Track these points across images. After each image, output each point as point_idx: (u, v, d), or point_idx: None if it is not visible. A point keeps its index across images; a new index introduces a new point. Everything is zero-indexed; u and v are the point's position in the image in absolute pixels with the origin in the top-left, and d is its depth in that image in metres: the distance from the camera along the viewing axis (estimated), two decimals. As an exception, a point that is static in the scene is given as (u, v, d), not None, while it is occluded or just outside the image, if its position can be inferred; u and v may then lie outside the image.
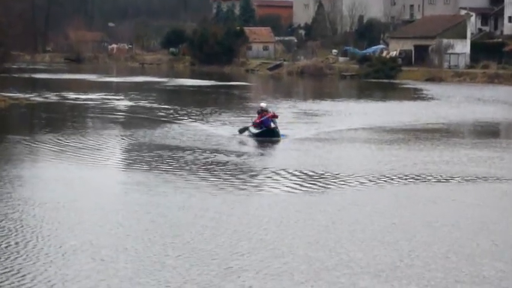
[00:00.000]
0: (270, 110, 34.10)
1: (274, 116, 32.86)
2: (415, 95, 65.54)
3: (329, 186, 21.83)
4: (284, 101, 54.69)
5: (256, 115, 33.75)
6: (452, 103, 55.47)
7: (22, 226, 16.31)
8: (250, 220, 17.31)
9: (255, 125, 32.84)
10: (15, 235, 15.53)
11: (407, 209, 18.89)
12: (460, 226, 17.10)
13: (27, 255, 14.12)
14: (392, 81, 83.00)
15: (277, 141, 31.42)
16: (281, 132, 32.56)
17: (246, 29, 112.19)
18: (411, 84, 78.29)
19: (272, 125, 32.12)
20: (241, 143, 31.25)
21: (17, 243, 14.95)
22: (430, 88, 71.29)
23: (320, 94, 65.59)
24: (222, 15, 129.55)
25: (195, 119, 40.70)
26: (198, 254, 14.36)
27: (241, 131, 33.47)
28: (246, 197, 20.23)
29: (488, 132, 39.13)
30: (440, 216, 17.92)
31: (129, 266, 13.54)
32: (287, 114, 43.34)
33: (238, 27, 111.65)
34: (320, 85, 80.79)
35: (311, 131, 35.51)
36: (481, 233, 16.43)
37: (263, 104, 34.17)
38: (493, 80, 79.80)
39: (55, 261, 13.78)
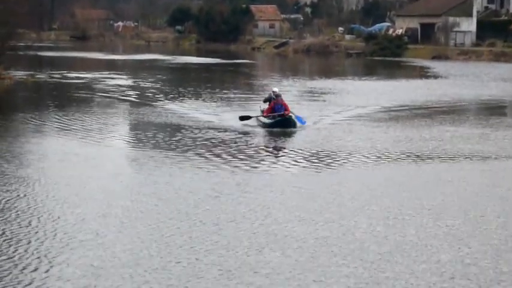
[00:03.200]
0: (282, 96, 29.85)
1: (286, 108, 28.72)
2: (420, 73, 65.72)
3: (323, 166, 22.15)
4: (290, 79, 54.92)
5: (265, 102, 30.20)
6: (456, 81, 55.58)
7: (17, 202, 16.65)
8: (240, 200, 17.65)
9: (266, 113, 28.95)
10: (9, 212, 15.88)
11: (384, 189, 19.18)
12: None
13: (20, 232, 14.47)
14: (398, 59, 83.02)
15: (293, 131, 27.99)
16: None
17: (252, 7, 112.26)
18: (417, 62, 78.35)
19: (286, 112, 28.33)
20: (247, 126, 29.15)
21: (9, 220, 15.30)
22: (435, 66, 71.40)
23: (325, 72, 65.69)
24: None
25: (198, 98, 40.94)
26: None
27: (243, 118, 29.33)
28: (242, 176, 20.52)
29: (488, 109, 39.22)
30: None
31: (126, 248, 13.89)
32: (293, 92, 43.58)
33: (244, 5, 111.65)
34: (326, 63, 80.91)
35: (314, 111, 35.39)
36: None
37: (275, 89, 30.67)
38: (498, 58, 79.81)
39: (54, 240, 14.14)
